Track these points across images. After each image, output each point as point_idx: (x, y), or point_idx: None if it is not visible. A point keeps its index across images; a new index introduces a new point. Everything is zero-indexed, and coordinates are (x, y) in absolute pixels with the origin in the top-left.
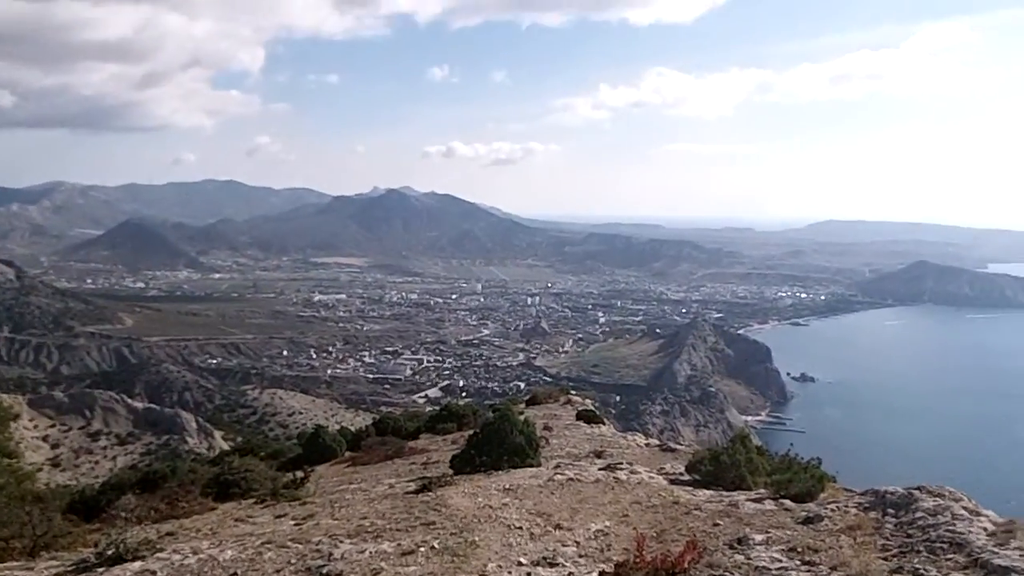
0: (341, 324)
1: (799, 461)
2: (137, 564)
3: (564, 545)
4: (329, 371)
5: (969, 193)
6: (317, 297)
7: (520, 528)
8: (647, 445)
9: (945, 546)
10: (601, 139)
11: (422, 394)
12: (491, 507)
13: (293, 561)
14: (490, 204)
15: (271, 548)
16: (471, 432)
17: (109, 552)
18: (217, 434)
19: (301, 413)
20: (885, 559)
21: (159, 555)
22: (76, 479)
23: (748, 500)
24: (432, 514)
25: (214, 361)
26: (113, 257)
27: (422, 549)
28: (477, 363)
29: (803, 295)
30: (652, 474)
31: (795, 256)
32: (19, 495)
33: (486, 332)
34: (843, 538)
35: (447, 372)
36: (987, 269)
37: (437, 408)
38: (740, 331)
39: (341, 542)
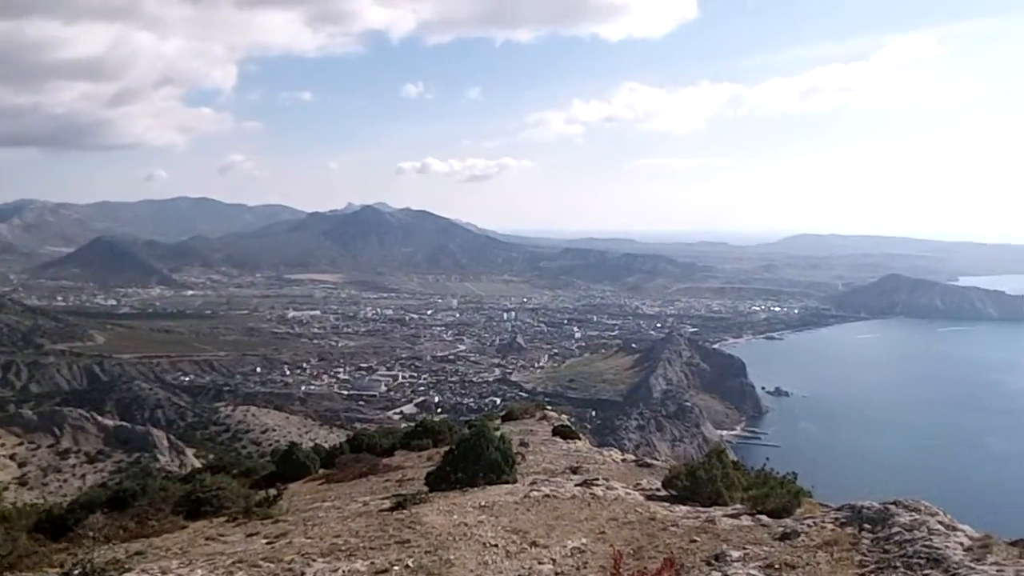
0: (315, 340)
1: (775, 476)
2: None
3: (540, 563)
4: (303, 388)
5: (939, 206)
6: (291, 314)
7: (496, 546)
8: (623, 460)
9: (922, 562)
10: (575, 154)
11: (397, 410)
12: (466, 524)
13: None
14: (465, 220)
15: (242, 568)
16: (446, 449)
17: (76, 572)
18: (189, 452)
19: (275, 430)
20: (862, 575)
21: (127, 575)
22: (44, 498)
23: (725, 516)
24: (407, 532)
25: (186, 378)
26: (84, 275)
27: (396, 568)
28: (453, 379)
29: (777, 309)
30: (628, 490)
31: (769, 270)
32: None
33: (462, 348)
34: (820, 554)
35: (422, 388)
36: (958, 282)
37: (412, 424)
38: (715, 345)
39: (314, 561)
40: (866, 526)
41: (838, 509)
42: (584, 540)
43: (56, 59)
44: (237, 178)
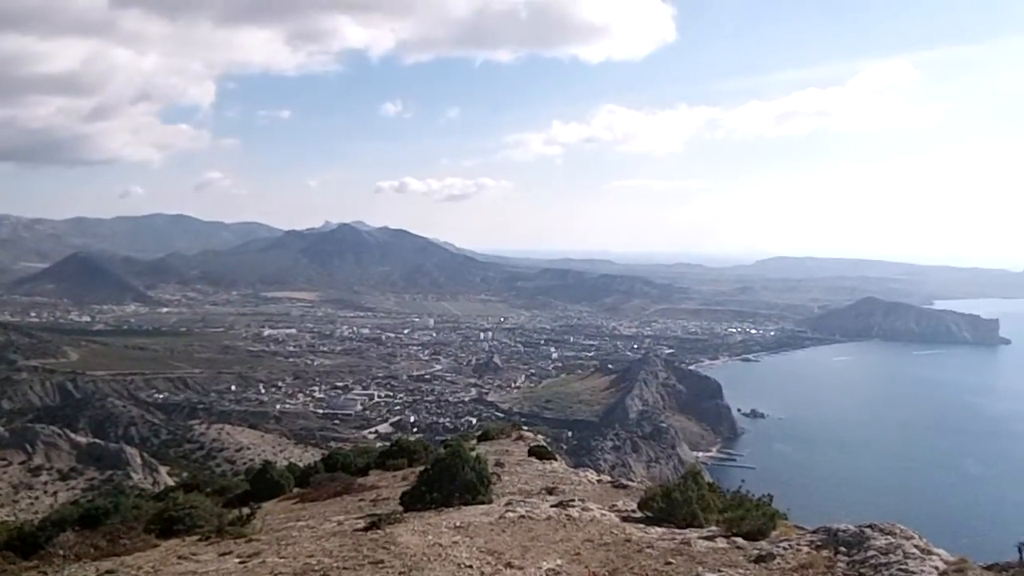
0: (291, 359)
1: (751, 498)
2: None
3: None
4: (278, 406)
5: (915, 229)
6: (267, 332)
7: (471, 567)
8: (599, 481)
9: None
10: (553, 175)
11: (372, 429)
12: (441, 545)
13: None
14: (443, 239)
15: None
16: (422, 468)
17: None
18: (163, 469)
19: (249, 448)
20: None
21: None
22: (15, 515)
23: (700, 538)
24: (381, 552)
25: (161, 396)
26: (59, 291)
27: None
28: (429, 398)
29: (753, 331)
30: (604, 511)
31: (745, 292)
32: None
33: (438, 367)
34: None
35: (398, 407)
36: (933, 305)
37: (387, 444)
38: (691, 367)
39: None
40: (842, 549)
41: (814, 532)
42: (559, 561)
43: (32, 73)
44: (214, 195)
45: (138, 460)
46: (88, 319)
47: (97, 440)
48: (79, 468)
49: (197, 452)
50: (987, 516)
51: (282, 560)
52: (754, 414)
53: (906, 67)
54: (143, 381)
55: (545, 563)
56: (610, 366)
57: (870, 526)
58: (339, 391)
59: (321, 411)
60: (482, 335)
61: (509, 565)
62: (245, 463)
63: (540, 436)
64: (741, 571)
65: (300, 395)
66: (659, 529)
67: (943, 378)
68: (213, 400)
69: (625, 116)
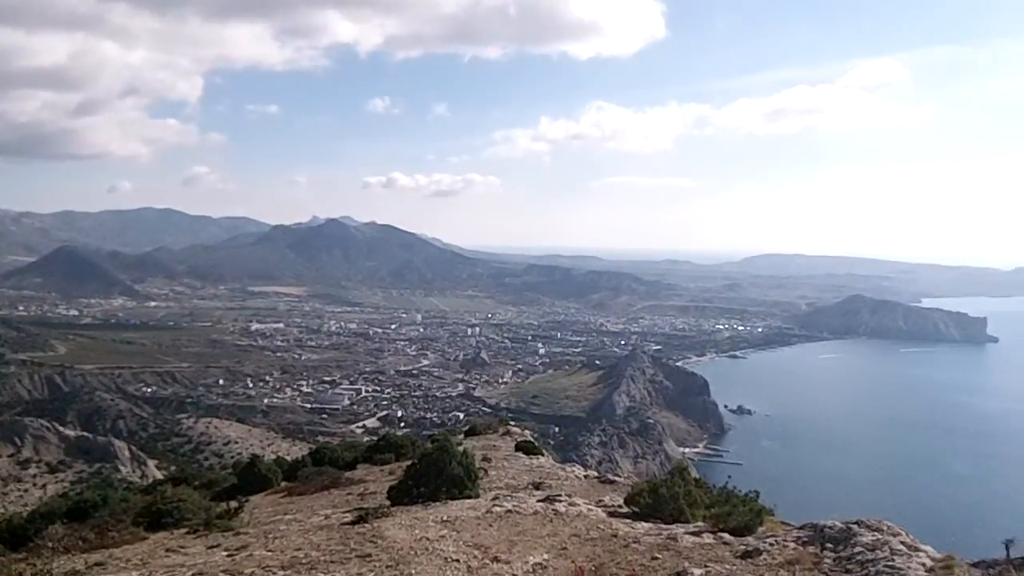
0: (279, 353)
1: (737, 494)
2: None
3: None
4: (266, 400)
5: (903, 228)
6: (254, 326)
7: (457, 561)
8: (586, 477)
9: None
10: (541, 171)
11: (360, 424)
12: (428, 539)
13: None
14: (430, 235)
15: None
16: (409, 463)
17: None
18: (151, 463)
19: (237, 442)
20: None
21: None
22: (4, 507)
23: (687, 533)
24: (368, 546)
25: (149, 389)
26: (46, 285)
27: None
28: (416, 393)
29: (740, 328)
30: (591, 506)
31: (732, 289)
32: None
33: (425, 362)
34: (782, 573)
35: (385, 402)
36: (921, 303)
37: (375, 439)
38: (678, 363)
39: (274, 574)
40: (828, 545)
41: (800, 528)
42: (546, 556)
43: (20, 67)
44: (202, 190)
45: (126, 453)
46: (76, 313)
47: (85, 433)
48: (68, 461)
49: (185, 446)
50: (974, 513)
51: (270, 553)
52: (741, 411)
53: (896, 67)
54: (131, 375)
55: (532, 557)
56: (597, 362)
57: (857, 522)
58: (327, 386)
59: (309, 405)
60: (469, 331)
61: (496, 559)
62: (233, 457)
63: (527, 432)
64: (727, 567)
65: (288, 389)
66: (646, 524)
67: (930, 376)
68: (201, 394)
69: (614, 113)
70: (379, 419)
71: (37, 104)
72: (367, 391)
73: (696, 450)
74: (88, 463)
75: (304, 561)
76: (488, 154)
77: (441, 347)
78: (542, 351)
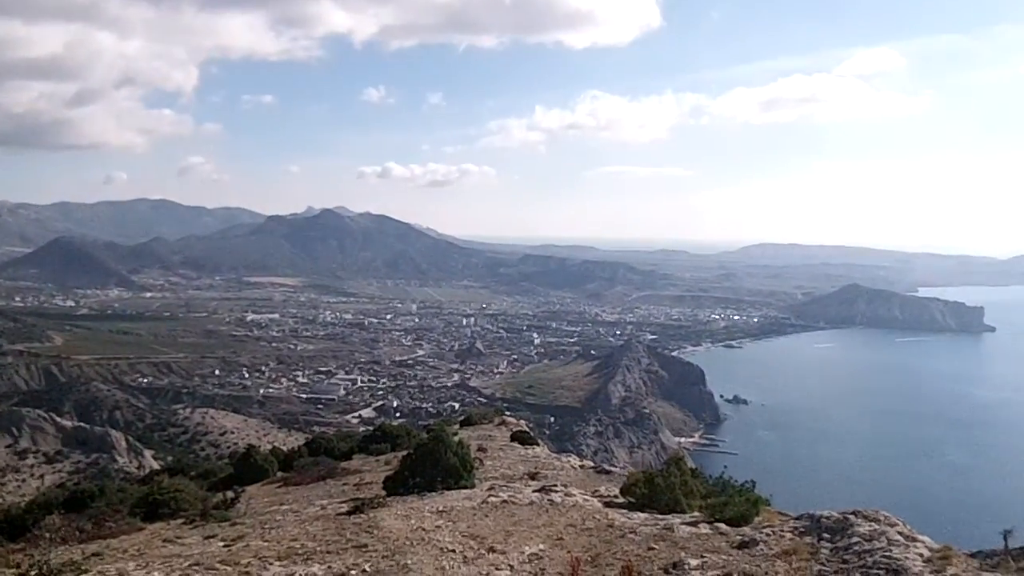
0: (274, 344)
1: (733, 484)
2: None
3: (498, 569)
4: (262, 391)
5: (899, 217)
6: (250, 317)
7: (453, 551)
8: (581, 467)
9: (881, 572)
10: (536, 161)
11: (355, 414)
12: (424, 529)
13: None
14: (425, 225)
15: (199, 570)
16: (405, 453)
17: (32, 573)
18: (147, 453)
19: (233, 433)
20: None
21: None
22: (2, 498)
23: (683, 524)
24: (364, 536)
25: (145, 380)
26: (42, 275)
27: (354, 572)
28: (411, 383)
29: (736, 318)
30: (587, 496)
31: (728, 279)
32: None
33: (421, 353)
34: (779, 563)
35: (381, 392)
36: (917, 293)
37: (371, 429)
38: (674, 353)
39: (271, 564)
40: (825, 536)
41: (797, 518)
42: (542, 546)
43: (15, 58)
44: (197, 180)
45: (123, 444)
46: (72, 304)
47: (82, 424)
48: (65, 451)
49: (181, 436)
50: (971, 503)
51: (266, 543)
52: (737, 400)
53: (893, 56)
54: (127, 365)
55: (528, 547)
56: (592, 352)
57: (854, 513)
58: (322, 376)
59: (304, 396)
60: (464, 321)
61: (492, 549)
62: (229, 447)
63: (522, 422)
64: (724, 557)
65: (283, 380)
66: (642, 515)
67: (926, 365)
68: (197, 384)
69: (609, 102)
70: (375, 409)
71: (33, 94)
72: (363, 381)
73: (692, 440)
74: (85, 453)
75: (300, 551)
76: (483, 144)
77: (436, 337)
78: (537, 341)
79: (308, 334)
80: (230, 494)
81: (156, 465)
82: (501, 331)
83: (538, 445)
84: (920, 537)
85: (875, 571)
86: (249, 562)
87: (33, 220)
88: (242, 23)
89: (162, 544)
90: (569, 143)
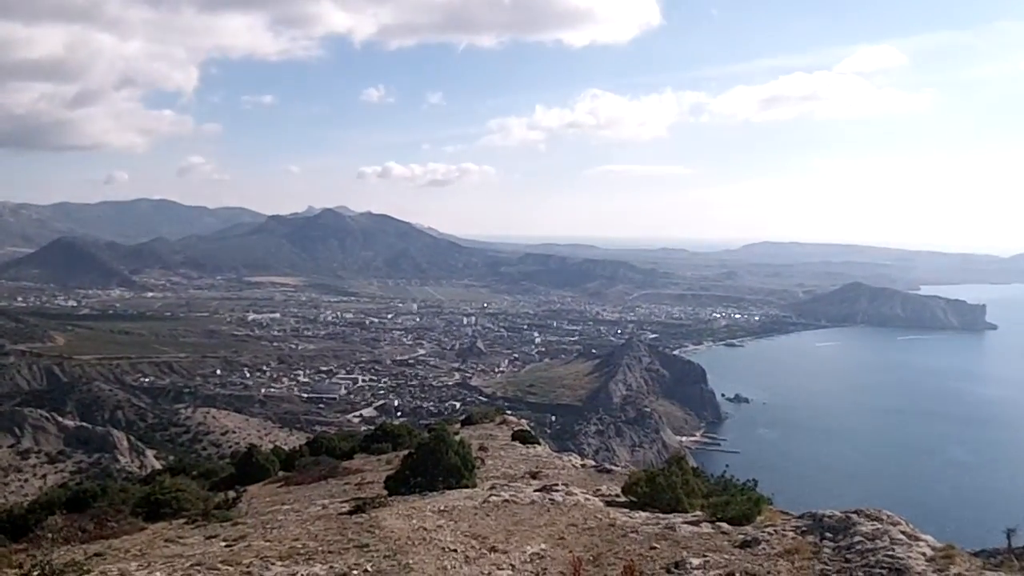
0: (275, 343)
1: (735, 483)
2: None
3: (499, 568)
4: (263, 390)
5: (901, 215)
6: (251, 316)
7: (455, 551)
8: (583, 466)
9: (884, 572)
10: (536, 160)
11: (357, 414)
12: (426, 529)
13: None
14: (426, 224)
15: (201, 570)
16: (406, 453)
17: (35, 574)
18: (149, 453)
19: (234, 432)
20: None
21: None
22: (4, 498)
23: (685, 523)
24: (366, 536)
25: (147, 380)
26: (44, 275)
27: (355, 572)
28: (412, 383)
29: (738, 316)
30: (588, 496)
31: (730, 277)
32: None
33: (422, 352)
34: (781, 563)
35: (382, 392)
36: (919, 291)
37: (372, 428)
38: (675, 352)
39: (273, 564)
40: (827, 535)
41: (799, 517)
42: (543, 546)
43: (16, 59)
44: (197, 181)
45: (125, 444)
46: (74, 304)
47: (84, 424)
48: (67, 451)
49: (183, 436)
50: (974, 501)
51: (268, 543)
52: (738, 399)
53: (894, 53)
54: (129, 365)
55: (529, 547)
56: (593, 351)
57: (856, 512)
58: (323, 375)
59: (306, 395)
60: (465, 320)
61: (493, 549)
62: (231, 447)
63: (524, 421)
64: (726, 556)
65: (285, 379)
66: (643, 514)
67: (928, 363)
68: (198, 384)
69: (609, 101)
70: (376, 408)
71: (34, 96)
72: (364, 381)
73: (693, 439)
74: (87, 453)
75: (302, 551)
76: (483, 143)
77: (437, 336)
78: (538, 340)
79: (309, 333)
80: (232, 494)
81: (158, 465)
82: (502, 330)
83: (539, 444)
84: (923, 536)
85: (878, 570)
86: (251, 562)
87: (35, 220)
88: (241, 23)
89: (164, 544)
90: (569, 142)
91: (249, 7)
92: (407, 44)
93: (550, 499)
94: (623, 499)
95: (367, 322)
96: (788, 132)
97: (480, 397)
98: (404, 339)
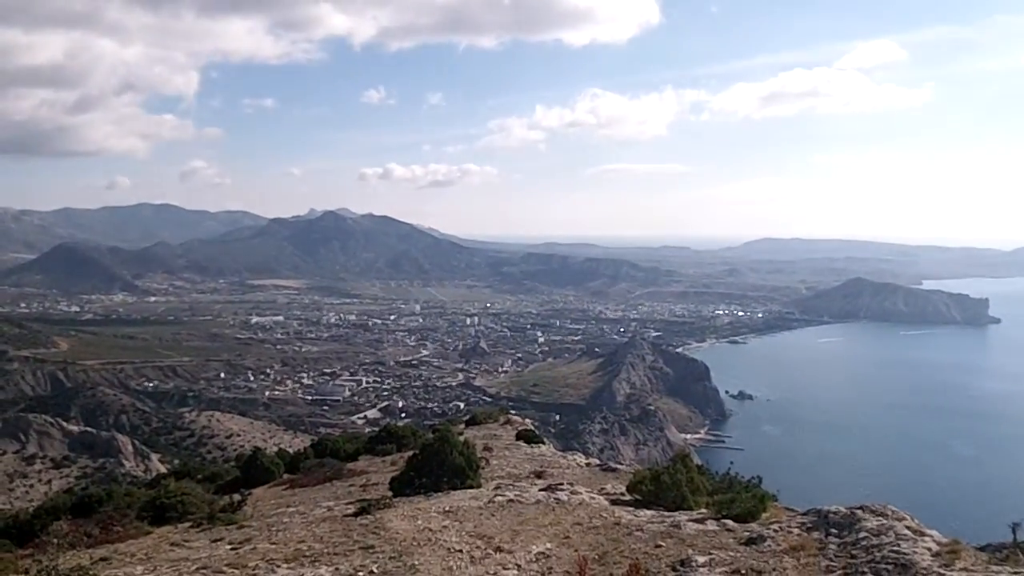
0: (279, 346)
1: (740, 480)
2: None
3: (505, 568)
4: (267, 393)
5: (903, 210)
6: (254, 319)
7: (460, 551)
8: (587, 465)
9: (890, 567)
10: (537, 160)
11: (361, 415)
12: (431, 530)
13: None
14: (427, 225)
15: (207, 573)
16: (410, 454)
17: None
18: (154, 457)
19: (239, 435)
20: None
21: None
22: (10, 504)
23: (690, 521)
24: (371, 537)
25: (151, 384)
26: (47, 281)
27: (361, 574)
28: (416, 384)
29: (740, 313)
30: (593, 494)
31: (732, 274)
32: None
33: (425, 353)
34: (786, 559)
35: (386, 393)
36: (921, 286)
37: (376, 429)
38: (678, 349)
39: (278, 567)
40: (833, 531)
41: (804, 514)
42: (549, 545)
43: (17, 66)
44: (199, 185)
45: (129, 448)
46: (77, 309)
47: (89, 429)
48: (72, 456)
49: (187, 439)
50: (979, 496)
51: (273, 546)
52: (742, 396)
53: (894, 48)
54: (133, 370)
55: (535, 547)
56: (597, 350)
57: (861, 508)
58: (327, 377)
59: (310, 397)
60: (468, 320)
61: (499, 549)
62: (235, 450)
63: (528, 420)
64: (731, 553)
65: (288, 382)
66: (648, 512)
67: (932, 358)
68: (202, 388)
69: (609, 100)
70: (380, 410)
71: (35, 102)
72: (367, 382)
73: (698, 436)
74: (92, 458)
75: (307, 553)
76: (484, 144)
77: (440, 337)
78: (541, 340)
79: (312, 336)
80: (237, 497)
81: (163, 468)
82: (505, 330)
83: (544, 443)
84: (928, 531)
85: (883, 566)
86: (257, 565)
87: (37, 226)
88: (241, 27)
89: (170, 548)
90: (570, 141)
91: (249, 11)
92: (407, 45)
93: (555, 498)
94: (628, 497)
95: (370, 324)
96: (789, 129)
97: (484, 397)
98: (407, 340)
